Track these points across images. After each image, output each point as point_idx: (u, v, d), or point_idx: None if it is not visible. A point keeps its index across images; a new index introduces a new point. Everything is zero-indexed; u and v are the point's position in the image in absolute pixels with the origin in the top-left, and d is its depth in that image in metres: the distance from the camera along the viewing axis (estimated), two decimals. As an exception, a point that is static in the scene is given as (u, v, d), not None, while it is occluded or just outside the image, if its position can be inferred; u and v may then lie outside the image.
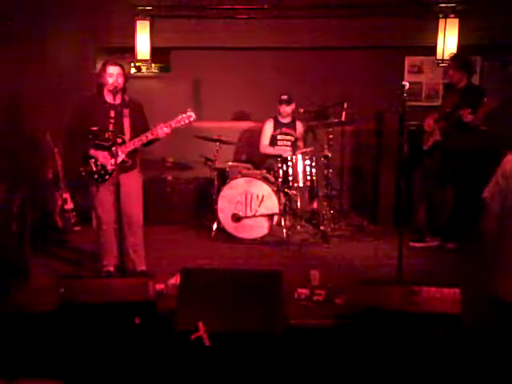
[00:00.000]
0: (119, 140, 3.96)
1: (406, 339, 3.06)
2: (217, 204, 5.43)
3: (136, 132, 4.04)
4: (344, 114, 5.71)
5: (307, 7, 6.12)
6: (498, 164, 3.80)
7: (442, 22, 5.99)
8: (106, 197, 4.08)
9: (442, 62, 6.02)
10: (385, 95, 5.91)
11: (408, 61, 6.57)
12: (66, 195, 5.29)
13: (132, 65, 6.39)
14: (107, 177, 4.08)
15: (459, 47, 5.92)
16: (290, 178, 5.36)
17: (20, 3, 5.36)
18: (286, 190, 5.47)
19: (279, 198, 5.37)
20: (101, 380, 2.96)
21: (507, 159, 3.68)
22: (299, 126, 6.01)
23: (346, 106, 5.69)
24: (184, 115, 3.99)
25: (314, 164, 5.42)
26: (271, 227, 5.36)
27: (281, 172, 5.39)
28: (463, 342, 3.06)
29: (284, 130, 5.95)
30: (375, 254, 4.93)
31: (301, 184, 5.39)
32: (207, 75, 6.45)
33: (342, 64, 6.33)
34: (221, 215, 5.42)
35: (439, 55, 6.07)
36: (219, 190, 5.46)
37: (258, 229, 5.37)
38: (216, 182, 5.63)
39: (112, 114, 3.80)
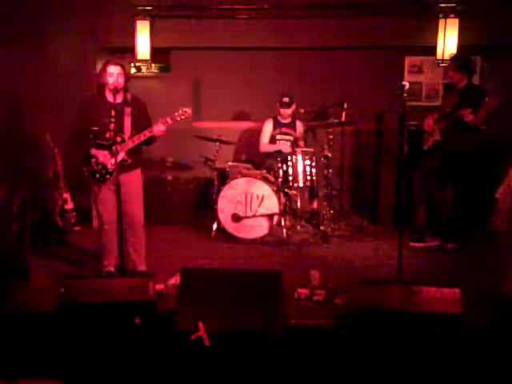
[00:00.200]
0: (119, 139, 3.96)
1: (406, 339, 3.06)
2: (217, 204, 5.43)
3: (138, 131, 4.04)
4: (344, 114, 5.71)
5: (307, 7, 6.12)
6: (497, 164, 3.82)
7: (441, 22, 5.99)
8: (108, 196, 4.08)
9: (442, 62, 6.02)
10: (385, 95, 5.91)
11: (408, 61, 6.57)
12: (66, 195, 5.29)
13: (132, 65, 6.39)
14: (108, 176, 4.08)
15: (459, 47, 5.92)
16: (290, 178, 5.36)
17: (20, 4, 5.36)
18: (286, 189, 5.47)
19: (279, 198, 5.37)
20: (101, 380, 2.96)
21: None
22: (299, 126, 6.00)
23: (345, 106, 5.69)
24: (180, 111, 3.99)
25: (314, 164, 5.42)
26: (271, 227, 5.36)
27: (281, 172, 5.39)
28: (463, 342, 3.06)
29: (284, 129, 5.95)
30: (375, 254, 4.93)
31: (301, 184, 5.40)
32: (207, 75, 6.45)
33: (342, 64, 6.33)
34: (221, 215, 5.42)
35: (439, 55, 6.06)
36: (219, 190, 5.46)
37: (258, 229, 5.37)
38: (216, 182, 5.63)
39: (113, 113, 3.80)
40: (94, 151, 4.08)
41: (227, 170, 5.68)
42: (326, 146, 5.64)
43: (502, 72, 6.28)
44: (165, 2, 6.21)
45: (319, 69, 6.35)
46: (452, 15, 5.96)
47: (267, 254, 5.05)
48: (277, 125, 5.97)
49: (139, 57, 6.22)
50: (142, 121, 4.11)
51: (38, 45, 5.68)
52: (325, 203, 5.73)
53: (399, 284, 3.44)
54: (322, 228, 5.55)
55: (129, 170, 4.11)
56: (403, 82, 3.74)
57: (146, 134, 3.99)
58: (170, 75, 6.65)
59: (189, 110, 4.00)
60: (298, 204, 5.67)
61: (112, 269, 4.24)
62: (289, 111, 5.87)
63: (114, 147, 3.93)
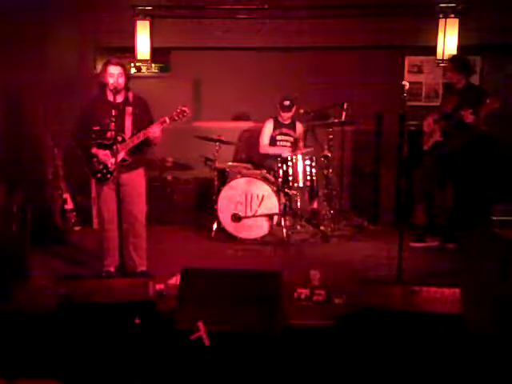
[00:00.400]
0: (119, 138, 3.96)
1: (406, 339, 3.06)
2: (217, 204, 5.43)
3: (140, 130, 4.03)
4: (344, 114, 5.71)
5: (307, 7, 6.12)
6: (497, 164, 3.82)
7: (441, 22, 5.98)
8: (109, 196, 4.09)
9: (442, 62, 6.01)
10: (385, 95, 5.92)
11: (408, 61, 6.56)
12: (66, 195, 5.29)
13: (132, 65, 6.38)
14: (109, 176, 4.08)
15: (459, 47, 5.91)
16: (290, 178, 5.37)
17: (20, 3, 5.36)
18: (286, 189, 5.47)
19: (279, 198, 5.37)
20: (101, 380, 2.96)
21: None
22: (299, 127, 6.00)
23: (345, 106, 5.69)
24: (178, 110, 3.98)
25: (314, 164, 5.43)
26: (271, 227, 5.36)
27: (281, 172, 5.39)
28: (463, 342, 3.06)
29: (284, 130, 5.95)
30: (375, 254, 4.93)
31: (301, 184, 5.40)
32: (207, 75, 6.45)
33: (342, 64, 6.33)
34: (221, 215, 5.42)
35: (439, 55, 6.05)
36: (219, 190, 5.46)
37: (258, 229, 5.37)
38: (216, 182, 5.63)
39: (114, 112, 3.80)
40: (95, 151, 4.08)
41: (227, 170, 5.68)
42: (325, 146, 5.64)
43: (502, 72, 6.28)
44: (165, 2, 6.21)
45: (319, 69, 6.34)
46: (452, 15, 5.94)
47: (267, 254, 5.05)
48: (277, 125, 5.97)
49: (139, 57, 6.21)
50: (144, 120, 4.09)
51: (38, 45, 5.67)
52: (325, 203, 5.73)
53: (399, 284, 3.44)
54: (321, 228, 5.55)
55: (130, 169, 4.11)
56: (403, 82, 3.74)
57: (140, 136, 3.99)
58: (170, 75, 6.65)
59: (187, 110, 3.99)
60: (298, 204, 5.67)
61: (112, 269, 4.24)
62: (289, 114, 5.88)
63: (114, 147, 3.93)
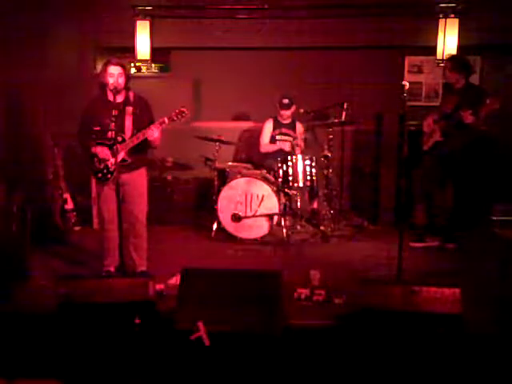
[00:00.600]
0: (119, 138, 3.96)
1: (406, 339, 3.06)
2: (217, 204, 5.43)
3: (140, 130, 4.02)
4: (344, 114, 5.71)
5: (307, 7, 6.12)
6: (497, 164, 3.81)
7: (441, 22, 5.98)
8: (110, 196, 4.08)
9: (442, 62, 6.01)
10: (385, 95, 5.92)
11: (408, 61, 6.56)
12: (66, 195, 5.29)
13: (132, 65, 6.39)
14: (109, 176, 4.08)
15: (459, 47, 5.91)
16: (290, 178, 5.37)
17: (20, 3, 5.36)
18: (286, 189, 5.47)
19: (279, 198, 5.37)
20: (101, 380, 2.96)
21: None
22: (299, 127, 6.00)
23: (345, 106, 5.69)
24: (177, 110, 3.98)
25: (314, 164, 5.43)
26: (271, 227, 5.37)
27: (281, 172, 5.39)
28: (463, 342, 3.06)
29: (283, 130, 5.95)
30: (375, 254, 4.93)
31: (301, 184, 5.40)
32: (207, 75, 6.44)
33: (342, 64, 6.33)
34: (221, 215, 5.42)
35: (439, 55, 6.05)
36: (219, 190, 5.46)
37: (258, 229, 5.37)
38: (216, 182, 5.63)
39: (114, 112, 3.80)
40: (96, 150, 4.08)
41: (227, 170, 5.68)
42: (326, 146, 5.64)
43: (502, 72, 6.28)
44: (165, 2, 6.21)
45: (319, 69, 6.35)
46: (452, 15, 5.94)
47: (267, 254, 5.05)
48: (277, 125, 5.97)
49: (139, 57, 6.21)
50: (145, 120, 4.08)
51: (38, 45, 5.67)
52: (325, 203, 5.73)
53: (399, 284, 3.44)
54: (321, 228, 5.55)
55: (130, 169, 4.10)
56: (403, 82, 3.74)
57: (140, 136, 3.98)
58: (170, 75, 6.65)
59: (186, 110, 3.98)
60: (298, 204, 5.67)
61: (112, 269, 4.24)
62: (288, 112, 5.88)
63: (114, 147, 3.93)
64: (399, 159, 3.97)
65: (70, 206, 5.28)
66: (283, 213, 5.38)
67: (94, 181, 4.52)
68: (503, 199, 5.48)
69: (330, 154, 5.60)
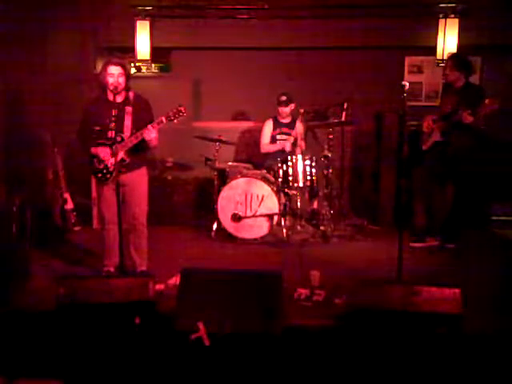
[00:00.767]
0: (118, 138, 3.95)
1: (406, 339, 3.06)
2: (217, 204, 5.43)
3: (140, 130, 4.02)
4: (344, 114, 5.70)
5: (307, 7, 6.12)
6: (497, 164, 3.81)
7: (441, 22, 5.99)
8: (110, 196, 4.08)
9: (442, 62, 6.02)
10: (385, 95, 5.92)
11: (408, 61, 6.57)
12: (66, 195, 5.28)
13: (132, 65, 6.39)
14: (109, 176, 4.08)
15: (459, 47, 5.92)
16: (290, 178, 5.36)
17: (20, 3, 5.36)
18: (285, 189, 5.46)
19: (279, 198, 5.37)
20: (101, 380, 2.96)
21: None
22: (299, 127, 5.98)
23: (345, 106, 5.68)
24: (174, 110, 3.97)
25: (314, 164, 5.42)
26: (271, 227, 5.36)
27: (281, 172, 5.39)
28: (464, 342, 3.06)
29: (284, 129, 5.94)
30: (375, 254, 4.92)
31: (301, 184, 5.39)
32: (207, 75, 6.45)
33: (342, 64, 6.34)
34: (221, 215, 5.42)
35: (439, 55, 6.06)
36: (219, 190, 5.46)
37: (258, 229, 5.37)
38: (216, 182, 5.63)
39: (113, 112, 3.79)
40: (95, 151, 4.08)
41: (227, 170, 5.68)
42: (326, 146, 5.64)
43: (502, 72, 6.28)
44: (165, 2, 6.21)
45: (319, 69, 6.35)
46: (452, 15, 5.95)
47: (267, 254, 5.05)
48: (277, 125, 5.97)
49: (139, 57, 6.22)
50: (145, 120, 4.07)
51: (39, 45, 5.67)
52: (325, 203, 5.72)
53: (399, 284, 3.44)
54: (321, 228, 5.55)
55: (130, 169, 4.09)
56: (403, 82, 3.74)
57: (139, 136, 3.98)
58: (170, 75, 6.65)
59: (183, 109, 3.98)
60: (298, 204, 5.66)
61: (112, 269, 4.24)
62: (287, 109, 5.87)
63: (114, 147, 3.93)
64: (399, 159, 3.97)
65: (69, 205, 5.28)
66: (283, 213, 5.38)
67: (94, 181, 4.53)
68: (503, 199, 5.48)
69: (329, 154, 5.59)
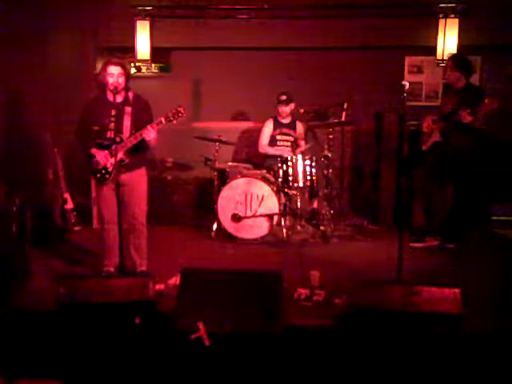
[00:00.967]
0: (118, 139, 3.95)
1: (406, 339, 3.06)
2: (217, 204, 5.43)
3: (139, 130, 4.01)
4: (344, 114, 5.71)
5: (307, 7, 6.12)
6: (496, 164, 3.81)
7: (441, 22, 5.99)
8: (109, 196, 4.08)
9: (442, 62, 6.02)
10: (385, 95, 5.92)
11: (408, 61, 6.57)
12: (66, 195, 5.28)
13: (132, 65, 6.39)
14: (108, 176, 4.07)
15: (459, 47, 5.92)
16: (290, 178, 5.36)
17: (20, 3, 5.36)
18: (285, 189, 5.46)
19: (279, 198, 5.37)
20: (101, 380, 2.96)
21: None
22: (299, 127, 6.00)
23: (345, 106, 5.69)
24: (173, 110, 3.97)
25: (314, 164, 5.43)
26: (271, 227, 5.36)
27: (281, 172, 5.39)
28: (464, 342, 3.06)
29: (284, 130, 5.95)
30: (375, 254, 4.92)
31: (301, 184, 5.39)
32: (207, 75, 6.45)
33: (342, 64, 6.34)
34: (221, 215, 5.42)
35: (439, 55, 6.07)
36: (219, 190, 5.46)
37: (258, 229, 5.37)
38: (216, 182, 5.63)
39: (113, 112, 3.79)
40: (94, 151, 4.07)
41: (227, 170, 5.68)
42: (326, 146, 5.64)
43: (502, 72, 6.28)
44: (165, 2, 6.21)
45: (319, 69, 6.35)
46: (452, 15, 5.96)
47: (267, 254, 5.05)
48: (277, 125, 5.97)
49: (139, 57, 6.22)
50: (144, 120, 4.06)
51: (38, 45, 5.67)
52: (325, 203, 5.72)
53: (399, 284, 3.44)
54: (321, 228, 5.55)
55: (130, 170, 4.09)
56: (403, 82, 3.74)
57: (138, 136, 3.98)
58: (170, 75, 6.65)
59: (182, 110, 3.97)
60: (298, 204, 5.66)
61: (112, 269, 4.24)
62: (287, 109, 5.86)
63: (113, 147, 3.93)
64: (399, 159, 3.97)
65: (69, 205, 5.28)
66: (283, 213, 5.38)
67: (93, 181, 4.52)
68: (503, 199, 5.48)
69: (329, 154, 5.59)
